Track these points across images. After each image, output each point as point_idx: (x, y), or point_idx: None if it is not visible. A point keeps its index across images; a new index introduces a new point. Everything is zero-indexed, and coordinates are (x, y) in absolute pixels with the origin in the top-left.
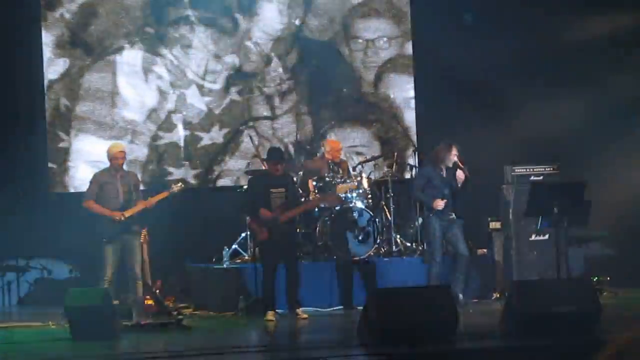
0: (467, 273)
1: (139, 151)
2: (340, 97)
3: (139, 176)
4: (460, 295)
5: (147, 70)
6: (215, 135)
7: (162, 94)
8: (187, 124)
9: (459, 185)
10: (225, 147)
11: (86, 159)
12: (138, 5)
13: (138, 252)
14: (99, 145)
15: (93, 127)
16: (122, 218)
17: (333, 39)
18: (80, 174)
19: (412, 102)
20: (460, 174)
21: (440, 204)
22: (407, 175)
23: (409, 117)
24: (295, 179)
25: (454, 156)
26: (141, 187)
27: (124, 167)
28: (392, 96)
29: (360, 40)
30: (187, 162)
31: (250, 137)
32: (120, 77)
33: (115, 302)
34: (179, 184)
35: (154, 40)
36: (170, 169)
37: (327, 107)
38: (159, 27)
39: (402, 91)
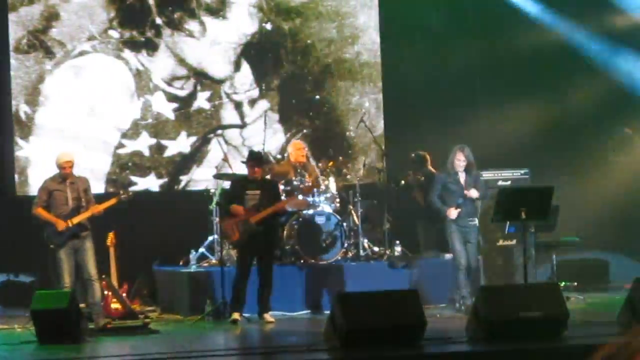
0: (473, 285)
1: (102, 160)
2: (313, 105)
3: (103, 186)
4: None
5: (110, 76)
6: (181, 144)
7: (127, 100)
8: (152, 132)
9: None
10: (192, 156)
11: (46, 166)
12: (102, 7)
13: (91, 254)
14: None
15: (54, 134)
16: (69, 225)
17: (306, 43)
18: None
19: (381, 107)
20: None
21: (453, 213)
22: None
23: (377, 122)
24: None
25: (458, 161)
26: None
27: (74, 173)
28: (366, 104)
29: (333, 44)
30: (152, 172)
31: (219, 142)
32: (83, 83)
33: (82, 305)
34: (128, 192)
35: (118, 45)
36: (135, 179)
37: (299, 115)
38: (124, 31)
39: (368, 99)
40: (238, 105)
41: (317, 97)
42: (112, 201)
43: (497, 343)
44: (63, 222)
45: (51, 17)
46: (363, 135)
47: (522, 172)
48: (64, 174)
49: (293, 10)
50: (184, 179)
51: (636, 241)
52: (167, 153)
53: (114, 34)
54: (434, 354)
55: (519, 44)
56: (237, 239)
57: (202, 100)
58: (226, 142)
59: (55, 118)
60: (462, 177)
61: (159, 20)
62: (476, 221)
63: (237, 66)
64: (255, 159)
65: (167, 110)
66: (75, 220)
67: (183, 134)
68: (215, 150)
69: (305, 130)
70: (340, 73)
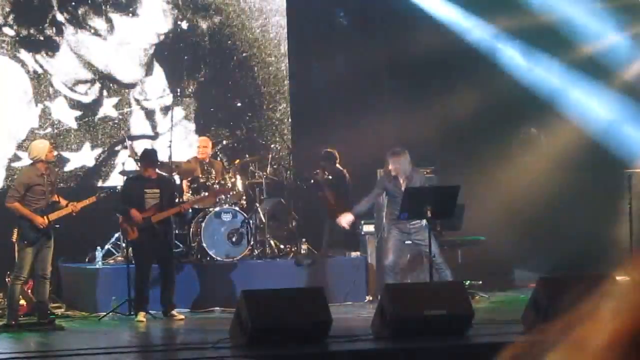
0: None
1: None
2: (233, 113)
3: None
4: None
5: (4, 79)
6: (85, 156)
7: (23, 107)
8: (52, 143)
9: None
10: (97, 170)
11: None
12: None
13: (51, 252)
14: None
15: None
16: (48, 221)
17: (227, 44)
18: None
19: (288, 104)
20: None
21: (343, 219)
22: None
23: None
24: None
25: (391, 167)
26: None
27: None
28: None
29: (257, 45)
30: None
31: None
32: None
33: None
34: (105, 192)
35: (14, 44)
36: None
37: (218, 124)
38: (20, 29)
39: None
40: (149, 114)
41: (239, 104)
42: (92, 199)
43: (402, 341)
44: (42, 219)
45: None
46: (286, 148)
47: (429, 170)
48: (46, 165)
49: (212, 7)
50: None
51: (540, 240)
52: (69, 166)
53: (9, 31)
54: (339, 351)
55: (425, 43)
56: (136, 237)
57: (108, 107)
58: (136, 154)
59: None
60: (402, 183)
61: (60, 17)
62: (423, 222)
63: (148, 69)
64: (149, 157)
65: (69, 118)
66: (53, 216)
67: (87, 145)
68: (122, 163)
69: (225, 142)
70: (265, 78)
